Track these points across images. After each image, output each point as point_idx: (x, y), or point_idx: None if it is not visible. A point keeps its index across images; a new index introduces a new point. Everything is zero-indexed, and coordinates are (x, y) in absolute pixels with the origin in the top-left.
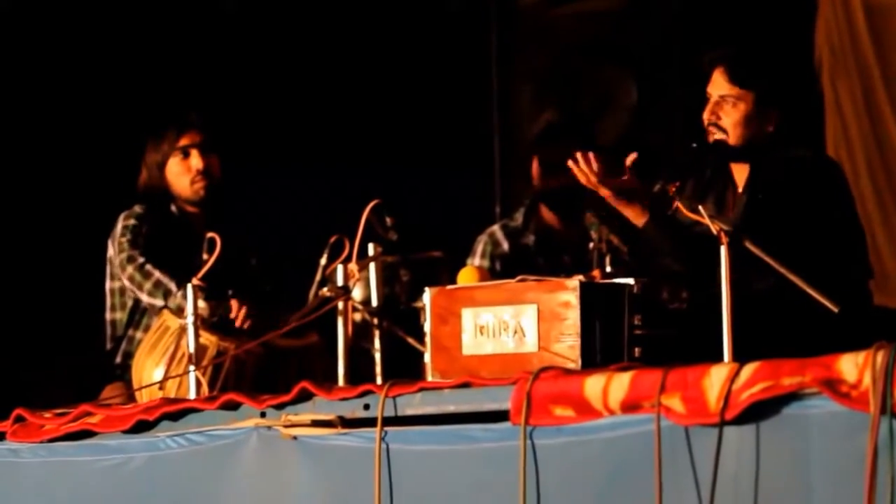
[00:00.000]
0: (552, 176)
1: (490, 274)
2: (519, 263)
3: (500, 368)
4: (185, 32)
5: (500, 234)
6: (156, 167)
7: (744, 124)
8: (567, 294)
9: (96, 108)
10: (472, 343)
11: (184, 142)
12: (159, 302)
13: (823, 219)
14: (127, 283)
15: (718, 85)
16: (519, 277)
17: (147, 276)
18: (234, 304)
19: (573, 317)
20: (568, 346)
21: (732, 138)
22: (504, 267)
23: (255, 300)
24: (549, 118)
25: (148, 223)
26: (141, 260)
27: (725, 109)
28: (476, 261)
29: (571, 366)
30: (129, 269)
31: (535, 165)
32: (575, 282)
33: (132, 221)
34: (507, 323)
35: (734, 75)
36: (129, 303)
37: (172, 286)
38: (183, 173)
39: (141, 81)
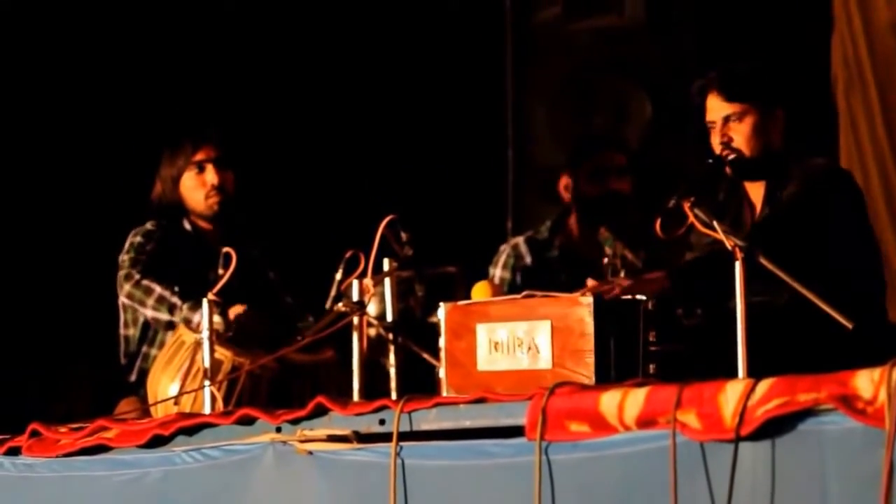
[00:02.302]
0: (591, 185)
1: (509, 286)
2: (541, 278)
3: (515, 385)
4: (198, 47)
5: (524, 248)
6: (170, 181)
7: (754, 136)
8: (581, 310)
9: (118, 122)
10: (487, 359)
11: (199, 156)
12: (164, 316)
13: (838, 231)
14: (126, 300)
15: (716, 109)
16: (525, 293)
17: (148, 291)
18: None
19: (587, 333)
20: (582, 363)
21: (747, 154)
22: (526, 280)
23: (275, 313)
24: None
25: (156, 240)
26: (137, 277)
27: (732, 128)
28: (497, 271)
29: (586, 382)
30: (127, 286)
31: (564, 180)
32: (589, 298)
33: (138, 239)
34: (520, 339)
35: (728, 93)
36: (141, 319)
37: (176, 300)
38: (197, 188)
39: (158, 95)
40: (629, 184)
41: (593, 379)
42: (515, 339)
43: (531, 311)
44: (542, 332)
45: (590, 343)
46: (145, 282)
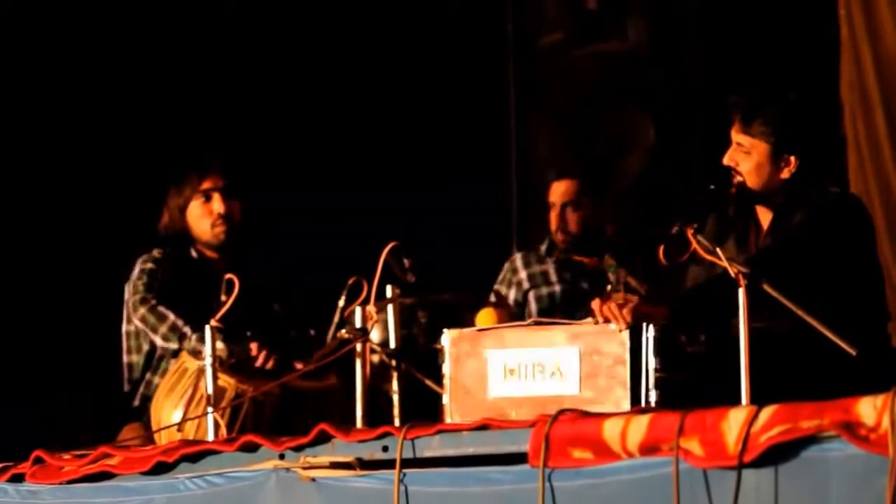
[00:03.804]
0: (554, 222)
1: (506, 301)
2: (538, 290)
3: (535, 410)
4: (201, 73)
5: (519, 262)
6: (177, 210)
7: (757, 172)
8: (617, 338)
9: (124, 151)
10: (501, 385)
11: (206, 185)
12: (173, 345)
13: (844, 259)
14: (139, 324)
15: (735, 131)
16: (532, 320)
17: (161, 318)
18: (253, 346)
19: (623, 360)
20: (617, 390)
21: (749, 184)
22: (522, 294)
23: (278, 346)
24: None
25: (164, 267)
26: (153, 302)
27: (741, 156)
28: (499, 286)
29: (620, 409)
30: (142, 310)
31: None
32: (622, 326)
33: (149, 265)
34: (543, 365)
35: (746, 126)
36: (145, 346)
37: (187, 329)
38: (204, 217)
39: (162, 123)
40: (589, 207)
41: (629, 406)
42: (537, 364)
43: (556, 337)
44: (570, 359)
45: (625, 371)
46: (161, 308)
